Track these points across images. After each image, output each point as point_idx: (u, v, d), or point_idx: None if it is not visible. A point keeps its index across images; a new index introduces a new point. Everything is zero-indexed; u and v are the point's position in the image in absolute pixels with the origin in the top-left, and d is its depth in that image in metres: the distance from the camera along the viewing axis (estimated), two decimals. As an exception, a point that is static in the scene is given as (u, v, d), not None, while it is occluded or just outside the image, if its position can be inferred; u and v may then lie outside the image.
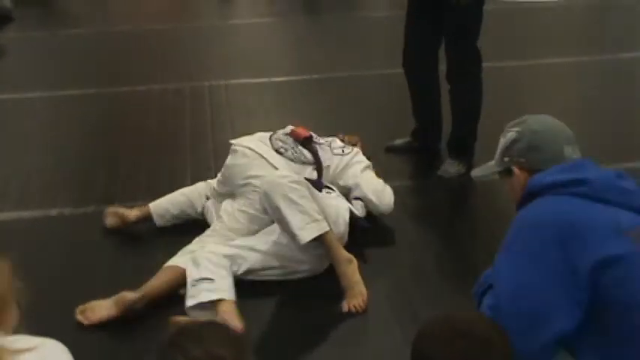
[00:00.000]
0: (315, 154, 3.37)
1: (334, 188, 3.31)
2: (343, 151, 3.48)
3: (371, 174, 3.49)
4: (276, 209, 2.88)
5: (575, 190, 1.90)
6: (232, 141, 3.44)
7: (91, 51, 6.68)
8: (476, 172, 2.36)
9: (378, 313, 2.85)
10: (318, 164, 3.35)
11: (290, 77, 5.66)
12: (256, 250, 3.01)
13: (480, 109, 3.96)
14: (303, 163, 3.33)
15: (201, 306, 2.74)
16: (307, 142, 3.40)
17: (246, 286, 2.93)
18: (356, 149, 3.55)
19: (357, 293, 2.87)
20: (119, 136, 4.68)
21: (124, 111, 5.21)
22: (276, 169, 3.22)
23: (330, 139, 3.54)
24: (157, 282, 2.90)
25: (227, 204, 3.28)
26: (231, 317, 2.65)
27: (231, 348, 1.54)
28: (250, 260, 2.98)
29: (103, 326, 2.76)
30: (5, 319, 1.62)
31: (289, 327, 2.77)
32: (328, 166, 3.38)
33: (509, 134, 2.12)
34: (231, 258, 2.94)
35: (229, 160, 3.38)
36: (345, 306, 2.85)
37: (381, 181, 3.47)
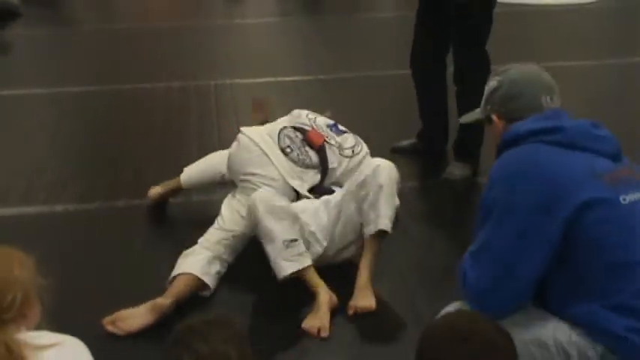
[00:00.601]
0: (323, 159, 3.28)
1: (335, 189, 3.23)
2: (353, 151, 3.36)
3: None
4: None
5: (550, 137, 1.95)
6: (242, 129, 3.34)
7: (96, 48, 6.69)
8: (463, 119, 2.47)
9: (381, 314, 2.85)
10: (323, 169, 3.27)
11: (295, 77, 5.67)
12: (318, 217, 3.03)
13: None
14: (307, 166, 3.23)
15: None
16: (320, 149, 3.29)
17: (246, 282, 2.93)
18: (365, 149, 3.41)
19: (368, 296, 2.86)
20: (124, 134, 4.69)
21: (129, 109, 5.22)
22: (277, 169, 3.16)
23: (345, 135, 3.40)
24: (180, 288, 2.88)
25: (225, 202, 3.23)
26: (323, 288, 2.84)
27: (236, 345, 1.54)
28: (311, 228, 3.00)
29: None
30: (28, 315, 1.63)
31: (293, 325, 2.78)
32: (334, 168, 3.29)
33: (491, 83, 2.19)
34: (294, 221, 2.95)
35: (232, 149, 3.30)
36: (351, 307, 2.84)
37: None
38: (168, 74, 5.76)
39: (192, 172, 3.60)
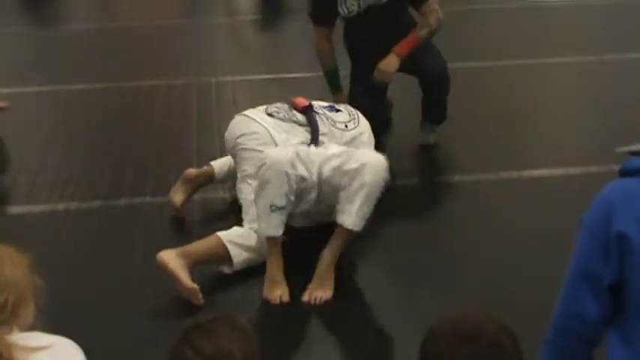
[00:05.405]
0: (310, 119, 3.34)
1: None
2: (347, 126, 3.41)
3: None
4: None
5: None
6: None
7: (98, 46, 6.68)
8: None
9: (380, 310, 2.85)
10: (312, 128, 3.32)
11: (298, 74, 5.65)
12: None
13: None
14: (294, 122, 3.31)
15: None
16: (304, 111, 3.37)
17: (253, 281, 2.92)
18: (362, 127, 3.45)
19: (326, 285, 2.89)
20: (126, 132, 4.69)
21: (130, 106, 5.21)
22: (265, 127, 3.24)
23: (340, 113, 3.46)
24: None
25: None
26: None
27: (242, 343, 1.53)
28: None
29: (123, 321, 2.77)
30: (21, 315, 1.60)
31: (299, 322, 2.78)
32: (325, 134, 3.33)
33: None
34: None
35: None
36: (308, 294, 2.86)
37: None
38: (169, 72, 5.75)
39: (223, 160, 3.63)
